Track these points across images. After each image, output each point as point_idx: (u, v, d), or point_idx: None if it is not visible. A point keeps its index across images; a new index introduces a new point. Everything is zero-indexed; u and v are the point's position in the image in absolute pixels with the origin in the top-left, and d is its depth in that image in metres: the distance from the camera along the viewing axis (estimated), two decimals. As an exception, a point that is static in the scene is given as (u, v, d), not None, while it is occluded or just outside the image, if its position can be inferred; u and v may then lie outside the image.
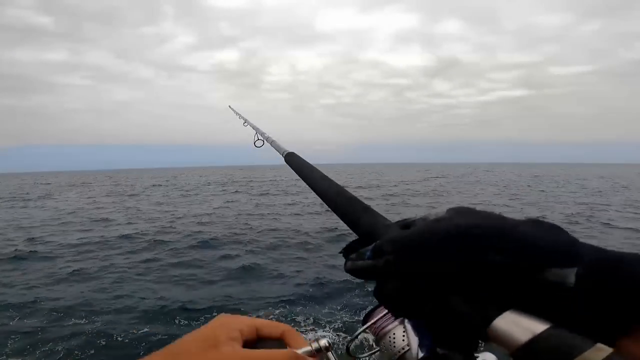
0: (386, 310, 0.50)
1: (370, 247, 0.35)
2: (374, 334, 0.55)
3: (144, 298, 6.64)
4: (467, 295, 0.32)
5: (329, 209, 0.55)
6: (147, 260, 8.94)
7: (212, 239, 11.06)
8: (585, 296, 0.29)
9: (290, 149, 0.95)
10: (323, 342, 0.41)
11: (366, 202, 0.50)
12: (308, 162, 0.77)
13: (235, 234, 11.83)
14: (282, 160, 0.94)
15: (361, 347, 0.64)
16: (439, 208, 0.37)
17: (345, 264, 0.36)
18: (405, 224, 0.39)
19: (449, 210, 0.36)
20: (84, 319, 5.75)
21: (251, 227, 12.88)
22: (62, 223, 14.89)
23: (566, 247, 0.31)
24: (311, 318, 5.94)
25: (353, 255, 0.36)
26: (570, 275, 0.29)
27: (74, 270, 8.08)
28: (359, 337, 0.58)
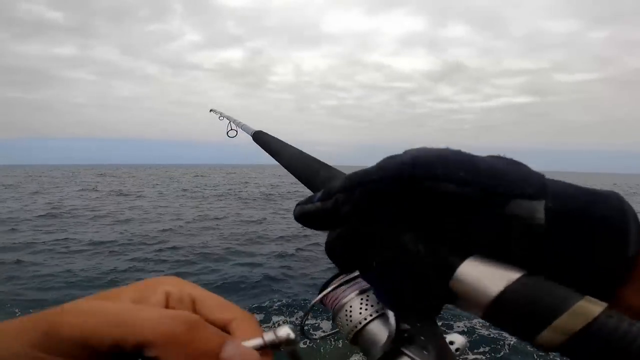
0: (343, 279, 0.44)
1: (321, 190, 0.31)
2: (330, 308, 0.47)
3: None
4: (423, 235, 0.27)
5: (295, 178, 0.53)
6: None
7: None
8: (560, 236, 0.24)
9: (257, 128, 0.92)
10: (282, 333, 0.28)
11: None
12: (275, 137, 0.75)
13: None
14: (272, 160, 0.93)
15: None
16: None
17: (295, 209, 0.31)
18: None
19: (407, 150, 0.30)
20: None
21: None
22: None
23: (531, 178, 0.26)
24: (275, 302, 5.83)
25: (303, 200, 0.31)
26: (539, 208, 0.24)
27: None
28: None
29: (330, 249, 0.31)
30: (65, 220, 13.29)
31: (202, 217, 14.16)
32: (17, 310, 5.39)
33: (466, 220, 0.25)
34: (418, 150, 0.28)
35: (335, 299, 0.46)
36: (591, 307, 0.21)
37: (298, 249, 9.26)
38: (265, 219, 13.96)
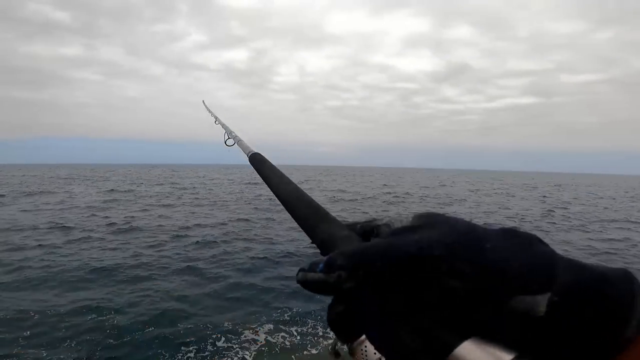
0: None
1: (324, 258, 0.31)
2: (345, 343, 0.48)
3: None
4: (421, 324, 0.28)
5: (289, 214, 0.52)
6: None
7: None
8: (557, 325, 0.25)
9: (257, 149, 0.88)
10: None
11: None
12: (272, 164, 0.73)
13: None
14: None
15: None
16: (406, 213, 0.34)
17: (297, 274, 0.32)
18: (365, 231, 0.37)
19: (415, 217, 0.32)
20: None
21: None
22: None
23: (539, 269, 0.27)
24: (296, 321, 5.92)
25: (305, 266, 0.32)
26: (542, 302, 0.25)
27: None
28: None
29: (332, 323, 0.34)
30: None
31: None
32: None
33: (467, 308, 0.27)
34: (425, 231, 0.29)
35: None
36: None
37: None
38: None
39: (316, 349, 5.22)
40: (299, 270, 0.32)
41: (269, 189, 0.63)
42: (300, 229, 0.47)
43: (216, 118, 1.53)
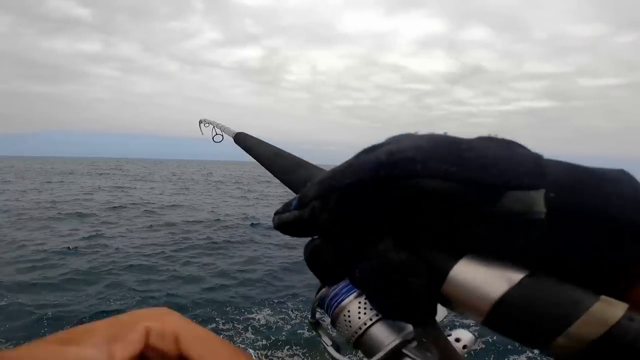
0: (342, 283, 0.40)
1: (297, 195, 0.28)
2: (327, 312, 0.44)
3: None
4: (405, 240, 0.23)
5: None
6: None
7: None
8: (565, 229, 0.21)
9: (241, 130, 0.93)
10: None
11: None
12: (255, 137, 0.74)
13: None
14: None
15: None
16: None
17: (273, 219, 0.29)
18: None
19: (389, 138, 0.27)
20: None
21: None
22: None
23: (526, 164, 0.22)
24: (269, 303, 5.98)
25: (280, 208, 0.29)
26: (538, 199, 0.20)
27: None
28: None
29: (309, 261, 0.28)
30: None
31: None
32: None
33: (456, 218, 0.22)
34: (396, 141, 0.24)
35: (333, 302, 0.44)
36: (610, 310, 0.18)
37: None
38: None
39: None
40: (274, 214, 0.29)
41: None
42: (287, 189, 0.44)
43: (205, 120, 1.46)
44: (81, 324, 0.28)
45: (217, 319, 5.64)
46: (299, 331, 5.45)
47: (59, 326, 5.09)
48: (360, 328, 0.41)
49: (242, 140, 0.80)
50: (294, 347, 5.08)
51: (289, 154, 0.51)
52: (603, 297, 0.19)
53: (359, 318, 0.42)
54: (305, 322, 5.62)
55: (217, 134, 1.24)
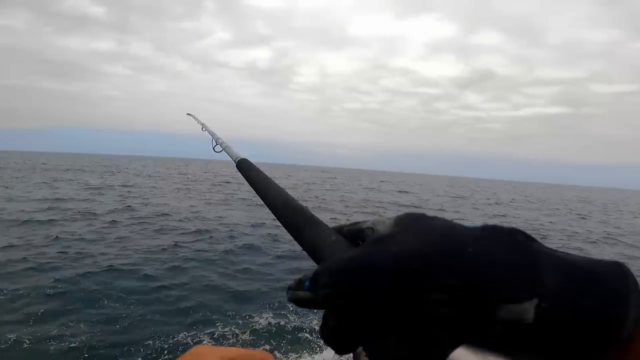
0: None
1: (309, 275, 0.32)
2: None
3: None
4: (409, 335, 0.28)
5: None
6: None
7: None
8: (548, 331, 0.25)
9: (243, 155, 0.87)
10: None
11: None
12: (259, 169, 0.73)
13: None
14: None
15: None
16: (387, 215, 0.34)
17: (287, 292, 0.34)
18: (352, 234, 0.37)
19: (397, 220, 0.32)
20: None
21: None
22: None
23: (524, 273, 0.26)
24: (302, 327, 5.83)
25: (293, 284, 0.33)
26: (529, 310, 0.25)
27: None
28: None
29: (326, 339, 0.33)
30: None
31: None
32: None
33: (456, 318, 0.26)
34: (404, 243, 0.29)
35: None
36: None
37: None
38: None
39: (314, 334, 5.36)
40: (288, 289, 0.34)
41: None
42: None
43: (203, 125, 1.55)
44: None
45: (217, 323, 5.66)
46: (299, 334, 5.46)
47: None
48: None
49: (246, 170, 0.76)
50: (295, 350, 5.09)
51: (297, 203, 0.51)
52: None
53: None
54: (305, 325, 5.67)
55: (217, 145, 1.24)
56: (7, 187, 20.37)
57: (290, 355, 4.95)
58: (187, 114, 1.87)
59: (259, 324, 5.69)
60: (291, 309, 6.18)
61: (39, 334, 4.92)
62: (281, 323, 5.75)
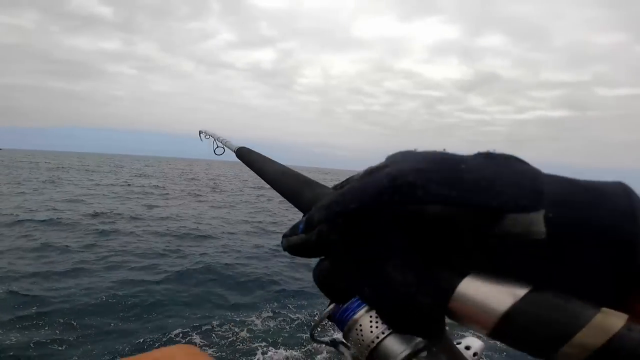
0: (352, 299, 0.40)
1: (303, 218, 0.29)
2: (339, 325, 0.46)
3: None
4: (412, 265, 0.24)
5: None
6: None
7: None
8: (564, 247, 0.22)
9: (243, 144, 0.89)
10: None
11: None
12: (257, 152, 0.73)
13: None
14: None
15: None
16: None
17: (281, 241, 0.31)
18: (342, 185, 0.33)
19: (389, 156, 0.29)
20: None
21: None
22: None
23: (525, 184, 0.23)
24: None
25: (287, 231, 0.31)
26: (537, 221, 0.21)
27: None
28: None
29: (319, 283, 0.30)
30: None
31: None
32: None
33: (458, 240, 0.24)
34: (396, 162, 0.26)
35: (344, 317, 0.45)
36: (611, 320, 0.19)
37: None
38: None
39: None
40: (282, 237, 0.31)
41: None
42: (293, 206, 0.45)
43: (205, 133, 1.49)
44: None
45: (213, 322, 5.64)
46: (298, 334, 5.43)
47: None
48: (372, 342, 0.43)
49: (245, 155, 0.78)
50: (293, 349, 5.07)
51: (294, 172, 0.51)
52: (604, 309, 0.20)
53: (371, 332, 0.43)
54: (305, 325, 5.63)
55: (218, 147, 1.24)
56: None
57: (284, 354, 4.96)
58: (200, 131, 1.68)
59: (255, 324, 5.70)
60: (289, 307, 6.18)
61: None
62: (278, 321, 5.77)
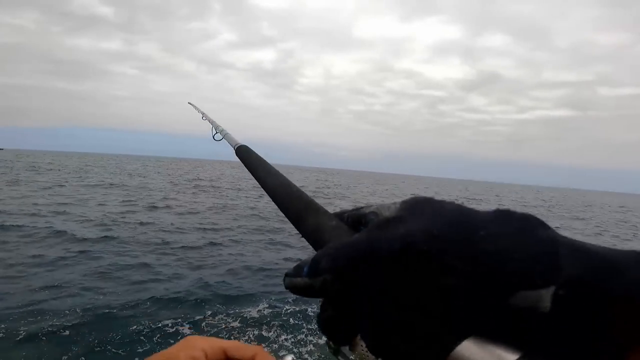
0: None
1: (308, 260, 0.30)
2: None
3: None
4: (415, 325, 0.25)
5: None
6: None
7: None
8: (563, 322, 0.22)
9: (244, 142, 0.86)
10: None
11: None
12: (259, 156, 0.71)
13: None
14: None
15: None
16: (392, 201, 0.31)
17: (284, 279, 0.31)
18: (353, 220, 0.35)
19: (403, 204, 0.29)
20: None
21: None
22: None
23: (542, 260, 0.23)
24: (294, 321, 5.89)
25: (291, 270, 0.31)
26: (546, 297, 0.22)
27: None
28: None
29: (323, 328, 0.31)
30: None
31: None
32: None
33: (464, 306, 0.24)
34: (412, 222, 0.26)
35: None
36: None
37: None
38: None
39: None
40: (285, 276, 0.32)
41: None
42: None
43: (203, 114, 1.55)
44: None
45: (207, 312, 5.69)
46: (291, 320, 5.51)
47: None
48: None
49: (245, 155, 0.75)
50: (288, 339, 5.12)
51: (297, 189, 0.49)
52: None
53: None
54: (298, 315, 5.72)
55: (217, 133, 1.22)
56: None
57: (281, 351, 4.95)
58: (189, 102, 1.87)
59: (252, 315, 5.73)
60: (288, 299, 6.21)
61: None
62: (276, 313, 5.79)
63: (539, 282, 0.22)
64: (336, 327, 0.30)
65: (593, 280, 0.22)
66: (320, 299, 0.31)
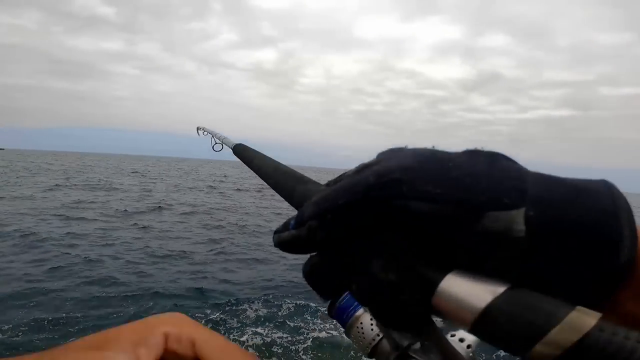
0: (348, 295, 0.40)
1: (295, 215, 0.30)
2: (340, 323, 0.46)
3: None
4: (397, 261, 0.25)
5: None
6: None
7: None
8: (544, 245, 0.22)
9: (241, 141, 0.92)
10: None
11: None
12: (254, 150, 0.74)
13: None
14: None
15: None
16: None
17: (273, 237, 0.31)
18: (335, 181, 0.34)
19: (380, 154, 0.30)
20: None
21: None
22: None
23: (509, 183, 0.23)
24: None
25: (279, 227, 0.31)
26: (517, 219, 0.22)
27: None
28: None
29: (308, 277, 0.30)
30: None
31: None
32: None
33: (442, 236, 0.24)
34: (384, 160, 0.27)
35: (345, 315, 0.46)
36: (584, 319, 0.19)
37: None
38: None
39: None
40: (274, 233, 0.31)
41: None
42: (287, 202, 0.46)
43: (204, 129, 1.52)
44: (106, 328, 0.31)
45: (208, 311, 5.74)
46: (287, 321, 5.53)
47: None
48: (373, 339, 0.44)
49: (242, 152, 0.80)
50: (286, 339, 5.13)
51: (288, 169, 0.52)
52: (578, 307, 0.20)
53: (372, 330, 0.45)
54: (295, 314, 5.79)
55: (216, 143, 1.25)
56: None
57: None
58: (198, 128, 1.70)
59: (248, 315, 5.77)
60: (287, 299, 6.21)
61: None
62: (272, 314, 5.82)
63: (507, 202, 0.23)
64: (322, 276, 0.29)
65: (561, 202, 0.22)
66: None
